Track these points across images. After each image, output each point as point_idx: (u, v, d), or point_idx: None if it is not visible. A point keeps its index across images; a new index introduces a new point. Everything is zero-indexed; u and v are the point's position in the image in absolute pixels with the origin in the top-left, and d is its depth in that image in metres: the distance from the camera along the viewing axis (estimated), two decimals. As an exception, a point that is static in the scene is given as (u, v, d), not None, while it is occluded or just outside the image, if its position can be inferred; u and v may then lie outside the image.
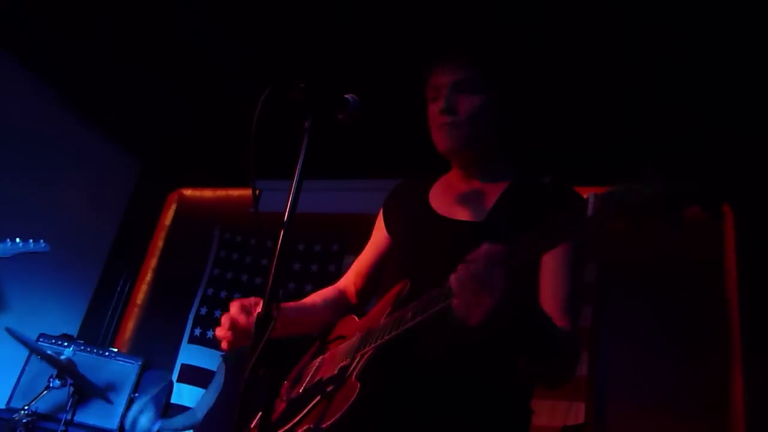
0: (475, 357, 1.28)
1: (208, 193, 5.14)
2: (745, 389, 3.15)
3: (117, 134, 4.78)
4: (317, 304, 1.64)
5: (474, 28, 2.94)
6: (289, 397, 1.44)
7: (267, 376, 0.99)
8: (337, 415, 1.16)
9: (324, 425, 1.18)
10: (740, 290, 3.36)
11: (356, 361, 1.27)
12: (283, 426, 1.32)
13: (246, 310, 1.37)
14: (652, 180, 0.88)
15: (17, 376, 3.51)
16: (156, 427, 3.36)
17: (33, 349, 3.26)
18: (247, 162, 1.18)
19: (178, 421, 3.45)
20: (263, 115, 1.16)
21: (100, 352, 3.65)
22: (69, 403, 3.13)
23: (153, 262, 4.98)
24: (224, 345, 1.37)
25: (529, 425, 1.37)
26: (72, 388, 3.14)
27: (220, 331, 1.38)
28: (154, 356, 4.01)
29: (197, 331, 4.53)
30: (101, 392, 3.29)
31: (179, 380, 4.30)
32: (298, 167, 1.16)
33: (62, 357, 3.10)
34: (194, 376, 4.31)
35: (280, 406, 1.44)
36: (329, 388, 1.27)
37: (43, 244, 3.36)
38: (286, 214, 1.12)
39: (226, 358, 3.75)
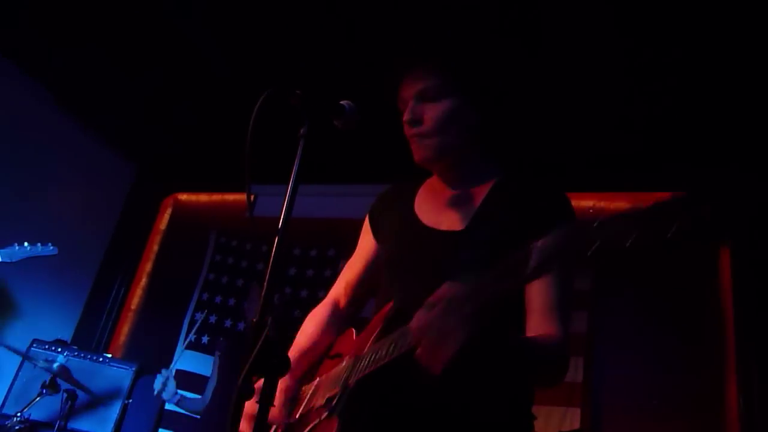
0: (459, 379, 1.27)
1: (203, 197, 5.13)
2: (740, 395, 3.15)
3: (112, 138, 4.77)
4: (317, 339, 1.61)
5: (433, 33, 2.95)
6: (286, 422, 1.44)
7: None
8: None
9: None
10: (735, 296, 3.36)
11: (339, 393, 1.26)
12: None
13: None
14: (609, 226, 0.83)
15: (10, 382, 3.48)
16: (177, 397, 3.38)
17: (27, 358, 3.23)
18: (243, 166, 1.17)
19: (189, 403, 3.47)
20: (259, 120, 1.16)
21: (94, 357, 3.62)
22: (62, 410, 3.11)
23: (148, 267, 4.96)
24: None
25: None
26: (65, 395, 3.12)
27: None
28: (149, 362, 3.99)
29: (192, 337, 4.51)
30: (95, 398, 3.26)
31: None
32: (294, 173, 1.16)
33: (55, 365, 3.07)
34: (189, 381, 4.29)
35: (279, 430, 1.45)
36: (315, 421, 1.27)
37: (51, 248, 3.33)
38: (281, 219, 1.12)
39: (219, 349, 3.77)
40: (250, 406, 1.04)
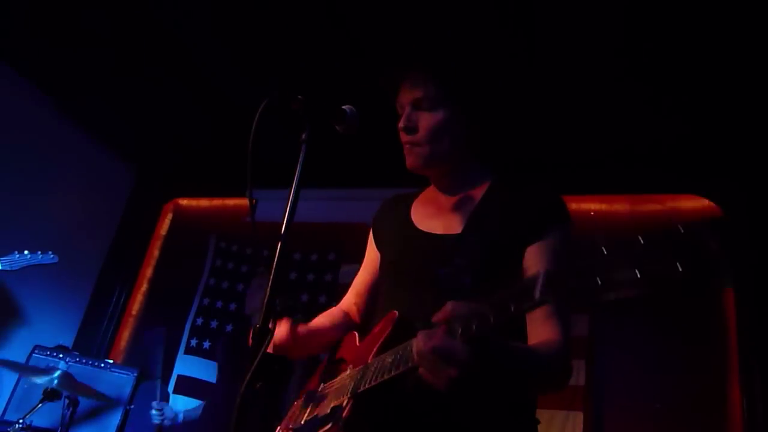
0: (461, 395, 1.27)
1: (203, 202, 5.13)
2: (743, 397, 3.15)
3: (113, 143, 4.77)
4: (325, 326, 1.63)
5: (432, 39, 2.97)
6: (290, 429, 1.44)
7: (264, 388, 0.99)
8: None
9: None
10: (737, 297, 3.36)
11: (344, 404, 1.26)
12: None
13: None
14: (618, 263, 0.80)
15: (11, 389, 3.47)
16: (180, 416, 3.37)
17: (26, 370, 3.22)
18: (244, 171, 1.17)
19: (193, 413, 3.46)
20: (261, 125, 1.16)
21: (96, 363, 3.62)
22: (64, 416, 3.10)
23: (149, 272, 4.96)
24: None
25: None
26: (67, 401, 3.11)
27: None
28: (150, 367, 3.98)
29: (193, 342, 4.50)
30: (102, 399, 3.26)
31: (175, 391, 4.27)
32: (296, 178, 1.16)
33: (56, 373, 3.06)
34: (190, 387, 4.28)
35: None
36: (320, 430, 1.27)
37: (51, 256, 3.32)
38: (284, 226, 1.12)
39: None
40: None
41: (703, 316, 3.38)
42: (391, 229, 1.59)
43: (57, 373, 3.05)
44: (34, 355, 3.54)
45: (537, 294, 0.88)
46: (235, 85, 3.77)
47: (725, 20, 2.71)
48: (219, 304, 4.61)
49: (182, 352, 4.48)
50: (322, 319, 1.65)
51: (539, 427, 1.37)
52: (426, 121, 1.44)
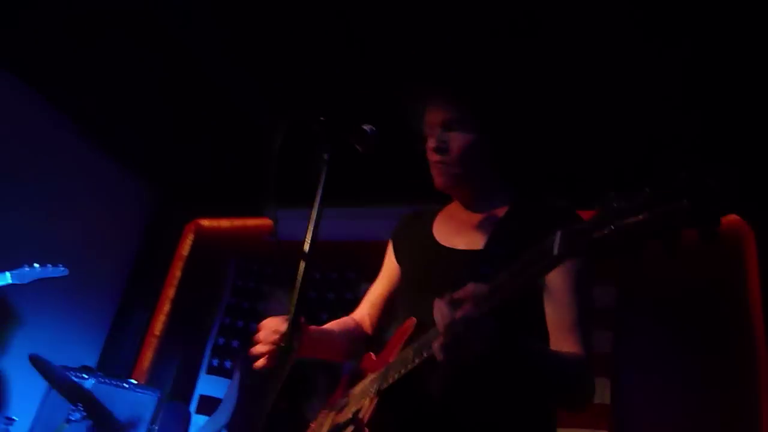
0: (484, 393, 1.27)
1: (224, 222, 5.18)
2: (775, 415, 3.07)
3: (135, 164, 4.85)
4: (335, 332, 1.65)
5: (465, 66, 2.99)
6: None
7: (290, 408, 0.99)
8: None
9: None
10: (765, 310, 3.29)
11: (367, 406, 1.27)
12: None
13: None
14: (628, 208, 0.83)
15: (37, 409, 3.51)
16: None
17: (55, 379, 3.25)
18: (265, 191, 1.19)
19: (211, 426, 3.46)
20: (282, 146, 1.18)
21: (119, 383, 3.65)
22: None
23: (171, 293, 5.00)
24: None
25: None
26: (91, 421, 3.13)
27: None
28: (172, 387, 4.00)
29: (215, 362, 4.52)
30: (120, 425, 3.28)
31: (198, 411, 4.28)
32: (318, 198, 1.18)
33: (82, 392, 3.09)
34: (213, 407, 4.28)
35: None
36: None
37: (62, 268, 3.33)
38: (307, 245, 1.13)
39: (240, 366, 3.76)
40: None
41: (729, 331, 3.31)
42: (413, 244, 1.61)
43: (83, 393, 3.09)
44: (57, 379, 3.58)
45: (556, 250, 0.90)
46: (256, 106, 3.82)
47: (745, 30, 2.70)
48: (240, 323, 4.63)
49: (204, 372, 4.49)
50: (331, 325, 1.67)
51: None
52: (458, 141, 1.46)
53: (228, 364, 4.48)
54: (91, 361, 4.46)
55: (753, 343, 3.26)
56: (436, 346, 1.05)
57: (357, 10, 2.95)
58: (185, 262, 5.10)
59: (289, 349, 1.01)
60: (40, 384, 3.44)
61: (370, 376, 1.38)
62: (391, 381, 1.23)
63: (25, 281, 3.19)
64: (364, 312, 1.75)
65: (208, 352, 4.56)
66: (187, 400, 4.31)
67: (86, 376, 3.55)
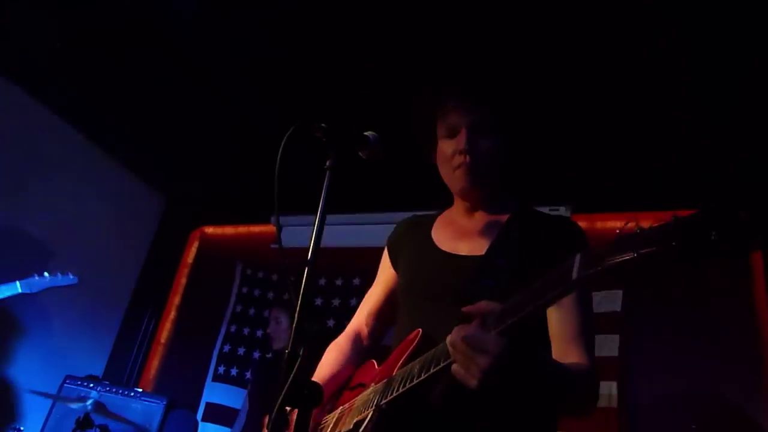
0: (488, 404, 1.25)
1: (229, 230, 5.20)
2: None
3: (141, 174, 4.88)
4: (337, 370, 1.63)
5: (487, 69, 2.99)
6: None
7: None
8: None
9: None
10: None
11: (369, 417, 1.26)
12: None
13: None
14: (652, 236, 0.81)
15: (44, 420, 3.53)
16: None
17: (59, 399, 3.27)
18: (269, 199, 1.20)
19: None
20: (286, 153, 1.19)
21: (125, 392, 3.66)
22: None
23: (176, 300, 5.02)
24: None
25: None
26: (98, 430, 3.15)
27: None
28: (179, 395, 4.01)
29: (221, 369, 4.53)
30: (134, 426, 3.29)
31: (204, 419, 4.29)
32: (321, 205, 1.18)
33: (89, 402, 3.09)
34: (219, 414, 4.29)
35: None
36: None
37: (71, 277, 3.29)
38: (310, 252, 1.14)
39: (250, 393, 3.76)
40: None
41: (736, 334, 3.30)
42: (411, 250, 1.60)
43: (88, 402, 3.10)
44: (65, 385, 3.60)
45: (575, 274, 0.89)
46: (259, 113, 3.84)
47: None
48: (246, 330, 4.63)
49: (210, 379, 4.50)
50: (331, 359, 1.65)
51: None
52: (486, 143, 1.46)
53: (234, 371, 4.48)
54: (98, 370, 4.47)
55: (759, 346, 3.25)
56: (453, 367, 1.05)
57: (358, 11, 2.95)
58: (190, 269, 5.12)
59: (294, 355, 1.01)
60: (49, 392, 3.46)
61: (373, 387, 1.37)
62: (395, 394, 1.22)
63: (35, 290, 3.15)
64: (362, 322, 1.74)
65: (214, 360, 4.56)
66: (194, 408, 4.31)
67: (92, 385, 3.56)
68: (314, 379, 1.51)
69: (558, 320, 1.34)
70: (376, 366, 1.49)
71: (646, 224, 0.83)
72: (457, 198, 1.58)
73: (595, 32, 2.83)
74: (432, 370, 1.14)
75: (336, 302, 4.44)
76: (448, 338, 1.07)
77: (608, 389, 3.36)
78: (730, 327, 3.30)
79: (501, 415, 1.27)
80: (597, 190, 3.79)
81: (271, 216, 4.40)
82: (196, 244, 5.21)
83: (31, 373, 3.89)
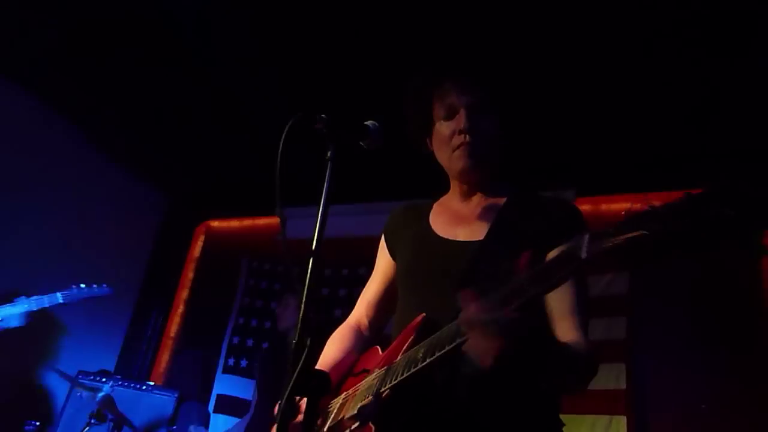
0: (491, 387, 1.26)
1: (234, 223, 5.21)
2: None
3: (144, 170, 4.89)
4: (340, 358, 1.63)
5: (484, 50, 2.97)
6: None
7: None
8: None
9: None
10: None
11: (373, 400, 1.27)
12: None
13: None
14: (664, 213, 0.78)
15: (59, 414, 3.57)
16: None
17: (75, 384, 3.31)
18: (273, 191, 1.20)
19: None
20: (287, 145, 1.19)
21: (137, 386, 3.69)
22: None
23: (184, 294, 5.05)
24: None
25: None
26: (112, 423, 3.18)
27: None
28: (189, 388, 4.05)
29: (231, 361, 4.56)
30: (140, 427, 3.32)
31: (215, 411, 4.33)
32: (324, 196, 1.18)
33: (101, 393, 3.14)
34: (230, 405, 4.33)
35: None
36: (347, 431, 1.27)
37: (106, 288, 3.45)
38: (314, 242, 1.14)
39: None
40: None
41: (743, 315, 3.29)
42: (410, 238, 1.58)
43: (101, 396, 3.13)
44: (78, 380, 3.63)
45: (584, 253, 0.87)
46: (261, 107, 3.84)
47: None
48: (254, 322, 4.66)
49: (220, 371, 4.54)
50: (333, 348, 1.64)
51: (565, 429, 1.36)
52: (485, 123, 1.46)
53: (244, 362, 4.52)
54: (109, 365, 4.52)
55: (766, 326, 3.25)
56: (466, 345, 1.05)
57: (357, 7, 2.94)
58: (197, 263, 5.15)
59: (302, 345, 1.02)
60: (63, 387, 3.50)
61: (377, 372, 1.37)
62: (399, 379, 1.22)
63: (74, 301, 3.29)
64: (362, 313, 1.74)
65: (223, 352, 4.60)
66: (205, 400, 4.35)
67: (104, 380, 3.60)
68: (318, 367, 1.52)
69: (554, 297, 1.32)
70: (380, 352, 1.49)
71: (657, 202, 0.81)
72: (455, 181, 1.57)
73: (600, 11, 2.80)
74: (437, 354, 1.14)
75: (342, 292, 4.45)
76: (463, 315, 1.07)
77: (617, 371, 3.37)
78: (736, 308, 3.30)
79: (506, 398, 1.27)
80: (601, 172, 3.77)
81: (275, 208, 4.41)
82: (202, 239, 5.23)
83: (44, 370, 3.93)
